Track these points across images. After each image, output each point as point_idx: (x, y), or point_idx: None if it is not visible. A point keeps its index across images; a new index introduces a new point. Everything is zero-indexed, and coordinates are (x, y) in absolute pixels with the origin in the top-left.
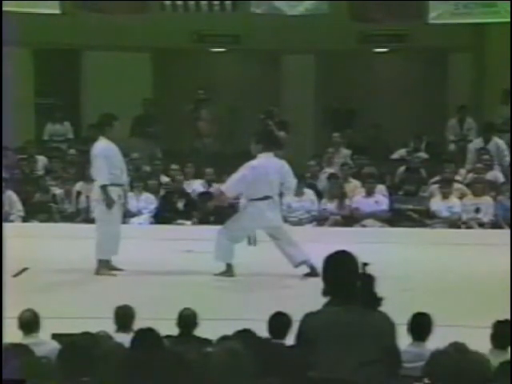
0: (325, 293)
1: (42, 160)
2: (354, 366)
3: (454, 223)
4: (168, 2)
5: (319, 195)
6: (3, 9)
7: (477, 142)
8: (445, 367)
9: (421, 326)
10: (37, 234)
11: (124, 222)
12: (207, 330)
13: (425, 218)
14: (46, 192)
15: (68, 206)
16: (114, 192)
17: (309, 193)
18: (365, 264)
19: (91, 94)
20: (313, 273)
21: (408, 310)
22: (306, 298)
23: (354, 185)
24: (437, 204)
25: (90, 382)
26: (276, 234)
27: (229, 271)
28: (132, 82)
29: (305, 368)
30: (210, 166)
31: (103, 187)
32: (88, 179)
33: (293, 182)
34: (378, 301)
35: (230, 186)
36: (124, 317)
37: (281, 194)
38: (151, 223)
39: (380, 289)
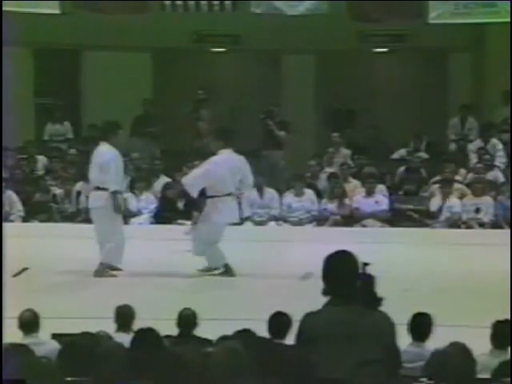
0: (325, 292)
1: (41, 160)
2: (353, 366)
3: (454, 223)
4: (168, 2)
5: (319, 195)
6: (3, 9)
7: (477, 143)
8: (445, 367)
9: (421, 326)
10: (37, 234)
11: (124, 222)
12: (207, 329)
13: (425, 217)
14: (46, 192)
15: (68, 205)
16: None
17: (309, 193)
18: (365, 264)
19: (91, 94)
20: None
21: (408, 309)
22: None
23: (353, 185)
24: (437, 204)
25: (91, 381)
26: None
27: (228, 271)
28: (132, 82)
29: (305, 368)
30: None
31: (115, 193)
32: (88, 179)
33: (251, 178)
34: (377, 301)
35: (191, 181)
36: (124, 317)
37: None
38: (151, 223)
39: (380, 289)
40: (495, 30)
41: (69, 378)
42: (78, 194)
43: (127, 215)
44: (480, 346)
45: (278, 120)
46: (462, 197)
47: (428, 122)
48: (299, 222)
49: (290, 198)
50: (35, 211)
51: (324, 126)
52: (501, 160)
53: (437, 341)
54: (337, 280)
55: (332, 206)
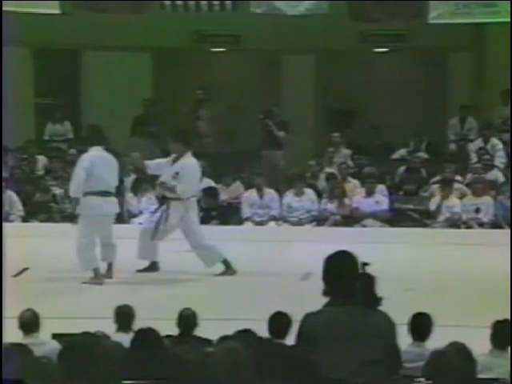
0: (325, 293)
1: (42, 160)
2: (354, 366)
3: (454, 223)
4: (168, 2)
5: (319, 195)
6: (3, 9)
7: (477, 143)
8: (445, 367)
9: (421, 325)
10: (37, 234)
11: (126, 222)
12: (207, 329)
13: (425, 217)
14: (46, 192)
15: (68, 205)
16: None
17: (309, 192)
18: (365, 264)
19: (91, 94)
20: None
21: (408, 309)
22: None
23: (353, 184)
24: (437, 204)
25: (91, 381)
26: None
27: (229, 270)
28: (132, 82)
29: (305, 368)
30: (210, 165)
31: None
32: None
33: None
34: (377, 301)
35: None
36: (124, 316)
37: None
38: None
39: (380, 289)
40: (495, 29)
41: (69, 378)
42: None
43: (128, 216)
44: (480, 346)
45: (277, 120)
46: (461, 197)
47: (428, 121)
48: (299, 222)
49: (289, 197)
50: (35, 211)
51: (324, 126)
52: (501, 160)
53: (437, 341)
54: (337, 280)
55: (332, 206)
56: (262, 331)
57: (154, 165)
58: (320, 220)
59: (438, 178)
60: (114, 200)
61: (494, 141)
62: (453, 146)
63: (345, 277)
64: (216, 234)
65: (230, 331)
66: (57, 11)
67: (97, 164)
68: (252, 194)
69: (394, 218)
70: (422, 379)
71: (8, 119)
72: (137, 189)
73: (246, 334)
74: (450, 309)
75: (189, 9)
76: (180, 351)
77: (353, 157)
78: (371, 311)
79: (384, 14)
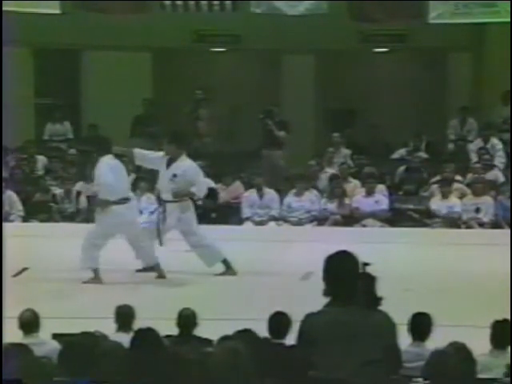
0: (326, 293)
1: (41, 160)
2: (354, 366)
3: (454, 223)
4: (168, 2)
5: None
6: (3, 9)
7: (477, 142)
8: (445, 367)
9: (421, 325)
10: (37, 234)
11: None
12: (208, 329)
13: (425, 217)
14: (46, 192)
15: (68, 205)
16: None
17: (309, 193)
18: (365, 264)
19: (91, 94)
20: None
21: (408, 309)
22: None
23: (353, 185)
24: (437, 204)
25: (91, 381)
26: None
27: (230, 270)
28: (132, 82)
29: (305, 368)
30: (210, 165)
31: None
32: (88, 179)
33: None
34: (378, 301)
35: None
36: (124, 316)
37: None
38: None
39: (380, 289)
40: (495, 29)
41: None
42: (78, 193)
43: None
44: (480, 346)
45: (277, 120)
46: (462, 197)
47: (428, 121)
48: (299, 222)
49: (290, 197)
50: (35, 211)
51: (324, 126)
52: (500, 160)
53: (437, 341)
54: (337, 280)
55: (332, 206)
56: (262, 331)
57: (140, 155)
58: (320, 220)
59: (437, 177)
60: (133, 205)
61: (494, 141)
62: (453, 146)
63: (345, 277)
64: (216, 234)
65: (229, 331)
66: (57, 11)
67: (114, 172)
68: (252, 194)
69: (394, 217)
70: (418, 379)
71: (8, 119)
72: (136, 188)
73: (246, 334)
74: (450, 309)
75: (189, 9)
76: (180, 351)
77: (353, 157)
78: (372, 311)
79: (384, 14)
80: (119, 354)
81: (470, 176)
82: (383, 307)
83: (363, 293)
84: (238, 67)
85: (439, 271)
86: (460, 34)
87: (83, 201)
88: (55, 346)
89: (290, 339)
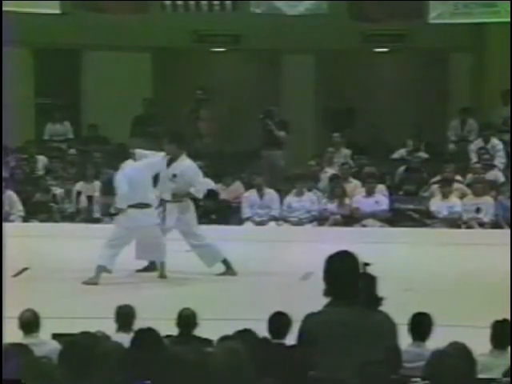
0: (326, 293)
1: (42, 160)
2: (354, 367)
3: (455, 223)
4: (168, 2)
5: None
6: (3, 9)
7: (477, 142)
8: (445, 367)
9: (421, 325)
10: (37, 234)
11: None
12: (208, 329)
13: (425, 217)
14: (46, 192)
15: (68, 205)
16: None
17: (309, 193)
18: (366, 264)
19: (91, 94)
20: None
21: (408, 309)
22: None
23: (354, 185)
24: (437, 204)
25: (91, 381)
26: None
27: (230, 270)
28: (132, 82)
29: (306, 368)
30: (210, 166)
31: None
32: (88, 179)
33: None
34: (378, 301)
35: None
36: (125, 316)
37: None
38: None
39: (381, 289)
40: (495, 29)
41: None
42: (78, 193)
43: None
44: (480, 346)
45: (277, 120)
46: (462, 197)
47: (428, 121)
48: (299, 222)
49: (290, 197)
50: (35, 211)
51: (324, 126)
52: (501, 160)
53: (437, 341)
54: (338, 281)
55: (332, 206)
56: (262, 331)
57: (141, 155)
58: (320, 220)
59: (438, 178)
60: (152, 211)
61: (495, 141)
62: (453, 146)
63: (346, 277)
64: (216, 234)
65: (229, 331)
66: (57, 11)
67: (132, 179)
68: (252, 194)
69: (394, 218)
70: (417, 379)
71: (8, 119)
72: None
73: (246, 334)
74: (450, 309)
75: (189, 9)
76: (180, 351)
77: (353, 157)
78: (372, 311)
79: (384, 14)
80: (119, 354)
81: (470, 176)
82: (383, 307)
83: (363, 293)
84: (237, 67)
85: (439, 271)
86: (460, 33)
87: (83, 201)
88: (55, 346)
89: (290, 339)
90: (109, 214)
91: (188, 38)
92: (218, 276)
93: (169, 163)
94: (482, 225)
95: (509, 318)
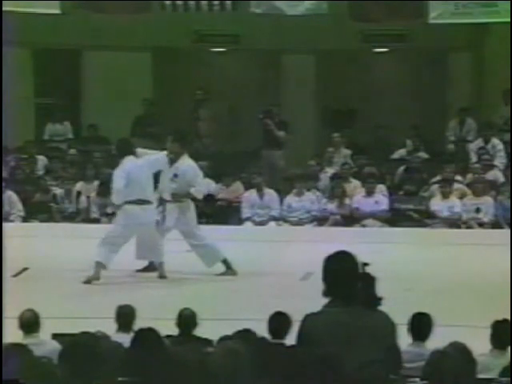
0: (325, 293)
1: (42, 160)
2: (354, 367)
3: (454, 223)
4: (168, 2)
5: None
6: (3, 9)
7: (477, 142)
8: (444, 367)
9: (421, 325)
10: (37, 234)
11: None
12: (208, 329)
13: (425, 217)
14: (46, 192)
15: (68, 205)
16: None
17: (309, 193)
18: (365, 264)
19: (91, 94)
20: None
21: (408, 309)
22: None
23: (354, 185)
24: (437, 204)
25: (91, 381)
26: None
27: (230, 270)
28: (132, 82)
29: (305, 368)
30: (210, 166)
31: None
32: (88, 179)
33: None
34: (378, 301)
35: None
36: (125, 316)
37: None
38: None
39: (380, 289)
40: (495, 29)
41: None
42: (78, 193)
43: None
44: (480, 346)
45: (277, 120)
46: (462, 197)
47: (428, 121)
48: (299, 222)
49: (290, 197)
50: (35, 211)
51: (324, 126)
52: (501, 160)
53: (437, 341)
54: (337, 281)
55: (332, 206)
56: (262, 331)
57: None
58: (320, 220)
59: (438, 178)
60: (150, 208)
61: (495, 141)
62: (453, 146)
63: (345, 277)
64: (216, 234)
65: (229, 331)
66: (57, 11)
67: (131, 175)
68: (252, 194)
69: (394, 217)
70: (416, 379)
71: (8, 119)
72: None
73: (245, 334)
74: (450, 309)
75: (189, 9)
76: (180, 351)
77: (353, 157)
78: (371, 312)
79: (384, 13)
80: (119, 354)
81: (470, 176)
82: (383, 307)
83: (363, 293)
84: (238, 67)
85: (439, 271)
86: (460, 33)
87: (83, 201)
88: (55, 346)
89: (290, 339)
90: (105, 214)
91: (188, 37)
92: (217, 276)
93: (170, 163)
94: (481, 225)
95: (509, 317)
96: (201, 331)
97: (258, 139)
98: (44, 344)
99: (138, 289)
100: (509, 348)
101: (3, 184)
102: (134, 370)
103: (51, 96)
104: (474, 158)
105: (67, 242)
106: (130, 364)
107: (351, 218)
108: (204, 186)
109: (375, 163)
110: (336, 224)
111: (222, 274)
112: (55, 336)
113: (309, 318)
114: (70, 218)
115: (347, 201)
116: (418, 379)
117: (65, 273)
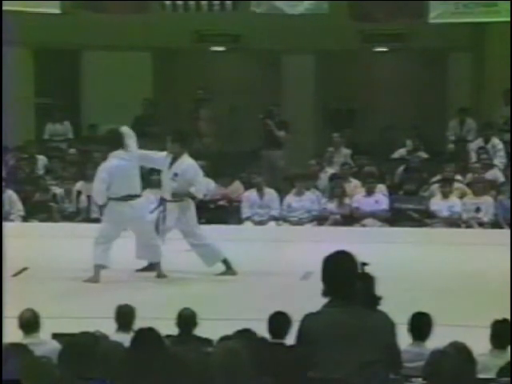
0: (325, 293)
1: (41, 160)
2: (354, 367)
3: (454, 223)
4: (168, 2)
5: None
6: (3, 9)
7: (477, 142)
8: (444, 367)
9: (421, 325)
10: (37, 234)
11: None
12: (208, 329)
13: (425, 217)
14: (46, 191)
15: (68, 205)
16: None
17: (309, 192)
18: (364, 264)
19: (91, 94)
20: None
21: (408, 309)
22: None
23: (354, 184)
24: (437, 203)
25: (91, 381)
26: None
27: (230, 270)
28: (132, 82)
29: (305, 368)
30: (210, 165)
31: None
32: (88, 179)
33: None
34: (377, 301)
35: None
36: (125, 316)
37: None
38: None
39: (380, 289)
40: (495, 29)
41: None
42: (78, 193)
43: None
44: (480, 346)
45: (277, 120)
46: (462, 196)
47: (428, 121)
48: (299, 222)
49: (290, 197)
50: (35, 211)
51: (324, 126)
52: (501, 160)
53: (437, 341)
54: (336, 281)
55: (332, 206)
56: (262, 331)
57: (143, 155)
58: (320, 220)
59: (438, 177)
60: (138, 202)
61: (495, 140)
62: (453, 146)
63: (344, 277)
64: (216, 234)
65: (229, 331)
66: (57, 11)
67: (117, 171)
68: (252, 193)
69: (394, 217)
70: (416, 379)
71: (8, 119)
72: None
73: (245, 334)
74: (450, 309)
75: (189, 9)
76: (180, 351)
77: (353, 157)
78: (371, 311)
79: (384, 13)
80: (119, 354)
81: (470, 176)
82: (383, 307)
83: (362, 293)
84: (238, 67)
85: (439, 271)
86: (460, 33)
87: (83, 201)
88: (55, 346)
89: (290, 339)
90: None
91: (188, 37)
92: (217, 276)
93: (171, 162)
94: (481, 224)
95: (509, 317)
96: (201, 331)
97: (258, 139)
98: (44, 344)
99: (137, 288)
100: (509, 348)
101: (3, 184)
102: (134, 369)
103: (51, 96)
104: (473, 158)
105: (67, 241)
106: (130, 364)
107: (351, 218)
108: (204, 185)
109: (375, 163)
110: (336, 224)
111: (222, 273)
112: (55, 336)
113: (308, 318)
114: (70, 217)
115: (347, 200)
116: (418, 379)
117: (65, 272)
